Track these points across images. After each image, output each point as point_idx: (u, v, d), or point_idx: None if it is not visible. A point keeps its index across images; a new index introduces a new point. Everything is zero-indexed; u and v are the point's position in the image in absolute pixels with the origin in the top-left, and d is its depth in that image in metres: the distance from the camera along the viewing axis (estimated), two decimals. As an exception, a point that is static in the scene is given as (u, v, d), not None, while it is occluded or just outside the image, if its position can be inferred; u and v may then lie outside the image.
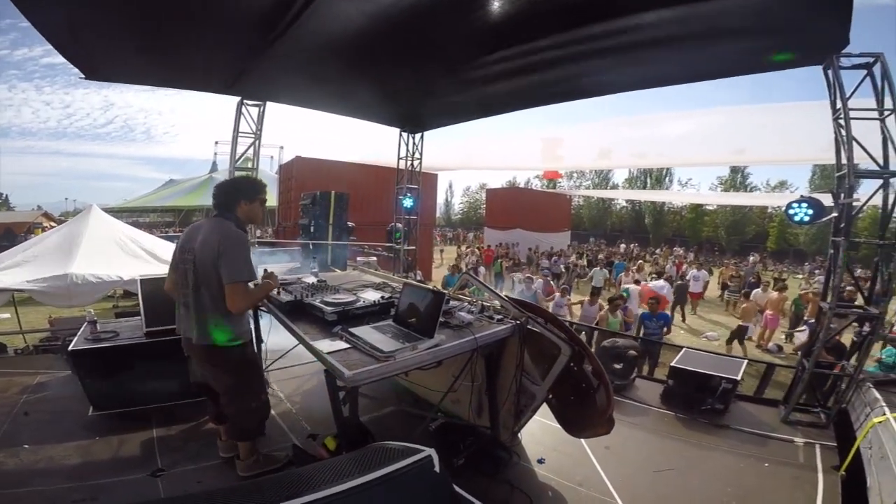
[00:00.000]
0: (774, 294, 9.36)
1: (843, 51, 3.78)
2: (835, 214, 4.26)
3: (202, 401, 3.24)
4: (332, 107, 6.14)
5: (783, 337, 9.52)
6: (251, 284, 2.44)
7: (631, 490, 2.94)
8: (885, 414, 3.20)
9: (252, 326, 2.73)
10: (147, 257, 6.02)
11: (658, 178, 34.36)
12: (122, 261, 5.76)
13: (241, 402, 2.61)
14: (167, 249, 6.55)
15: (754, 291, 10.10)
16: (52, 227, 18.84)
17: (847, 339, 5.08)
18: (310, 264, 4.13)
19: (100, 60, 4.16)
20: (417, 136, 7.69)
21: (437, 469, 1.17)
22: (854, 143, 3.98)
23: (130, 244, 6.20)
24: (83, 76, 4.33)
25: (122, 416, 3.43)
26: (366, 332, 2.30)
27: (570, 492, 2.89)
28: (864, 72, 3.87)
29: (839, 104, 3.93)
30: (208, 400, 2.91)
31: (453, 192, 44.77)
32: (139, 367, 3.46)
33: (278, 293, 2.97)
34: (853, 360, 4.53)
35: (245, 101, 5.52)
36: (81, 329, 3.79)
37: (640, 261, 15.53)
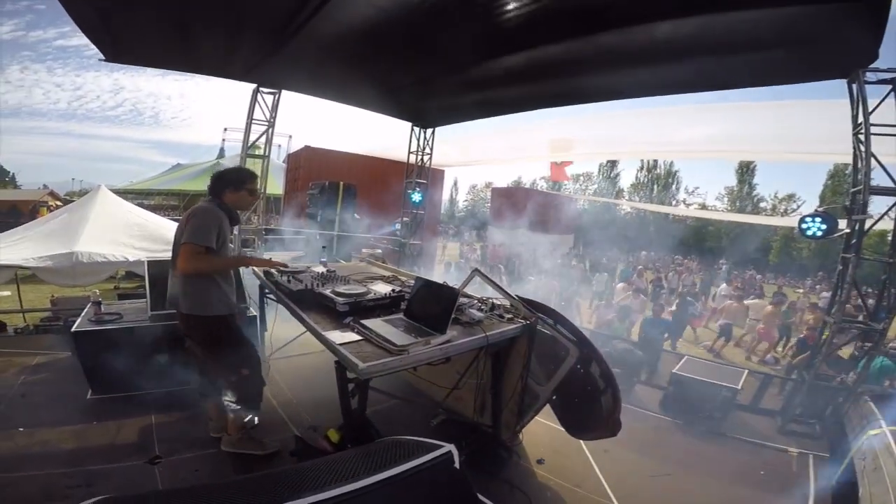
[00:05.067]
0: (769, 308, 9.34)
1: (871, 65, 3.75)
2: (846, 230, 4.26)
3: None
4: (347, 98, 6.13)
5: (779, 349, 9.48)
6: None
7: (628, 493, 2.95)
8: (881, 427, 3.24)
9: (232, 301, 2.73)
10: (154, 239, 5.98)
11: (665, 185, 34.42)
12: (128, 242, 5.74)
13: (218, 373, 2.70)
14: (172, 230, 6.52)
15: (752, 300, 10.08)
16: (58, 206, 18.87)
17: (845, 352, 5.11)
18: (319, 254, 4.12)
19: (124, 44, 4.15)
20: (429, 131, 7.68)
21: (457, 465, 1.16)
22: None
23: (138, 225, 6.16)
24: (104, 58, 4.31)
25: (121, 400, 3.39)
26: (378, 324, 2.29)
27: (569, 493, 2.90)
28: (889, 87, 3.84)
29: (860, 119, 3.91)
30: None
31: (458, 189, 44.83)
32: (142, 350, 3.41)
33: (289, 281, 2.96)
34: (852, 374, 4.56)
35: (261, 89, 5.48)
36: (85, 310, 3.77)
37: (639, 266, 15.45)
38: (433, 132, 7.69)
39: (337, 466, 1.11)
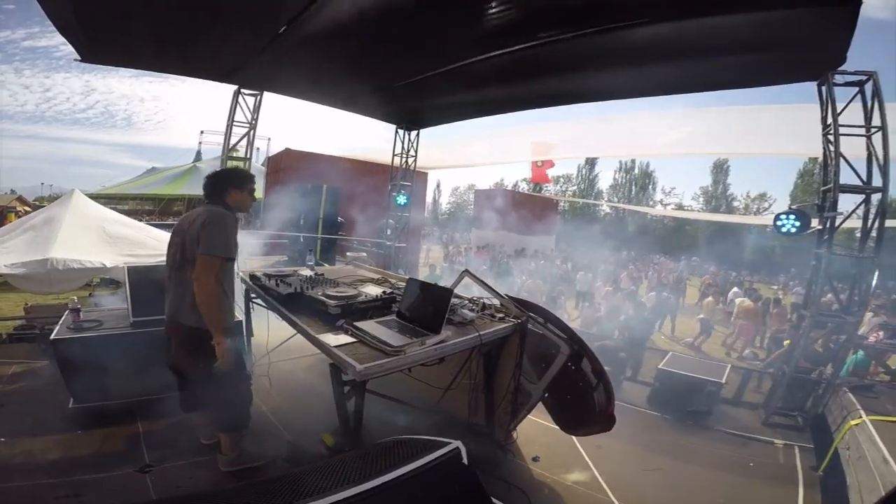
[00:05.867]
0: (748, 304, 9.62)
1: (839, 68, 3.91)
2: (818, 227, 4.43)
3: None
4: (330, 100, 6.10)
5: (757, 345, 9.77)
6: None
7: (623, 487, 3.01)
8: (861, 417, 3.39)
9: (235, 319, 2.69)
10: (132, 244, 5.80)
11: (643, 185, 35.21)
12: (105, 248, 5.55)
13: (216, 391, 2.54)
14: (155, 237, 6.35)
15: (738, 299, 10.37)
16: (27, 211, 18.16)
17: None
18: (306, 257, 4.08)
19: (101, 44, 4.03)
20: (413, 133, 7.68)
21: (465, 461, 1.17)
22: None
23: (115, 231, 5.95)
24: (79, 58, 4.18)
25: (105, 409, 3.28)
26: (371, 326, 2.28)
27: (565, 489, 2.94)
28: (857, 89, 4.01)
29: (830, 120, 4.08)
30: (179, 385, 2.78)
31: (441, 192, 44.74)
32: (125, 358, 3.29)
33: (277, 284, 2.92)
34: (829, 367, 4.74)
35: (242, 90, 5.40)
36: (63, 317, 3.65)
37: (631, 267, 15.75)
38: (418, 134, 7.69)
39: (343, 468, 1.10)
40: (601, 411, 2.66)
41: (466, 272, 3.24)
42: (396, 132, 7.63)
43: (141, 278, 3.92)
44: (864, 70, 3.95)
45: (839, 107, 4.11)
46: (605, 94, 5.55)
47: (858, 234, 4.53)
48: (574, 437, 3.42)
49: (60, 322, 3.58)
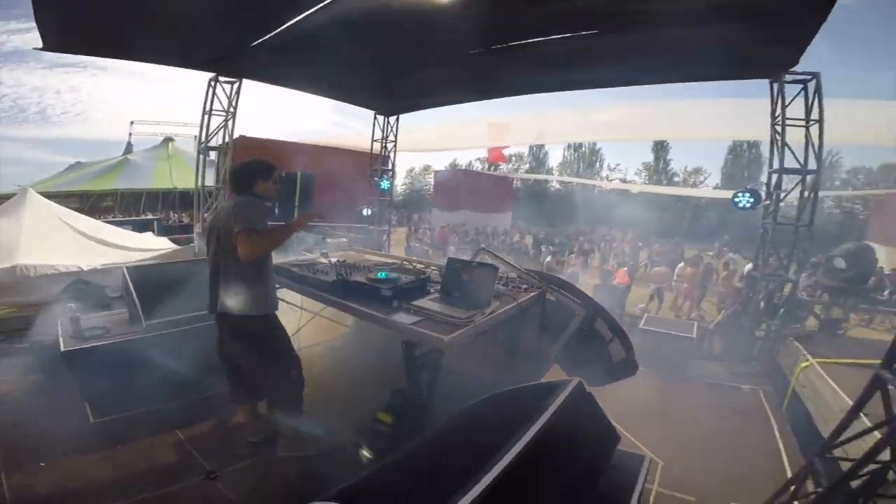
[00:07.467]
0: (689, 269, 10.60)
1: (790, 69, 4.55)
2: (767, 202, 5.16)
3: (211, 396, 3.23)
4: (311, 87, 6.02)
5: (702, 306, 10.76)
6: None
7: (633, 429, 3.40)
8: (808, 360, 4.06)
9: (276, 297, 2.71)
10: (106, 244, 5.47)
11: (590, 162, 36.79)
12: (77, 250, 5.21)
13: (269, 377, 2.66)
14: (117, 235, 6.04)
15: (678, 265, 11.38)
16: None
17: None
18: (320, 246, 4.13)
19: (74, 30, 3.76)
20: (392, 119, 7.74)
21: (588, 391, 1.43)
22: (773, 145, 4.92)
23: (81, 230, 5.58)
24: (41, 47, 3.88)
25: (130, 419, 3.10)
26: (429, 304, 2.49)
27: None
28: (801, 86, 4.66)
29: (778, 112, 4.73)
30: (229, 377, 2.86)
31: (395, 174, 43.44)
32: (142, 363, 3.17)
33: (314, 273, 3.02)
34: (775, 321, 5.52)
35: (219, 78, 5.20)
36: (60, 327, 3.39)
37: (580, 237, 16.66)
38: (398, 119, 7.76)
39: (497, 420, 1.32)
40: (622, 360, 3.04)
41: (483, 249, 3.47)
42: (375, 118, 7.64)
43: (143, 278, 3.77)
44: (810, 71, 4.62)
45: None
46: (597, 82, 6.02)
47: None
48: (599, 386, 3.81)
49: (60, 333, 3.33)
